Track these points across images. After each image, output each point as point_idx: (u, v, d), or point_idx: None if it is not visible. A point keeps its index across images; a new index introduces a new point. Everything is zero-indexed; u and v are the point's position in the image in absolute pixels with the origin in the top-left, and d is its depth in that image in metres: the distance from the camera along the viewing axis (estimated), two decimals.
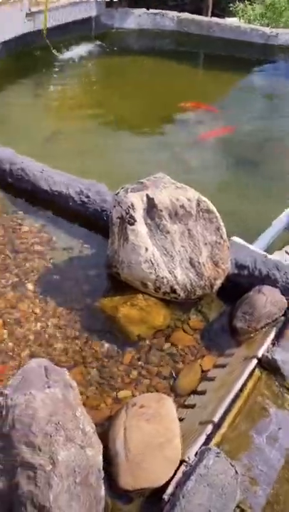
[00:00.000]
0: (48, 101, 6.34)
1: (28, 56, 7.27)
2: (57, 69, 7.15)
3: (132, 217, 2.37)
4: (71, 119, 5.72)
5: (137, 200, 2.38)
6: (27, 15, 7.20)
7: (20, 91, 6.53)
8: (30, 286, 2.74)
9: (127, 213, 2.38)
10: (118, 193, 2.47)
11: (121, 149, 5.00)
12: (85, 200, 3.08)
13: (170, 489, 1.74)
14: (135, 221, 2.37)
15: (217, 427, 1.96)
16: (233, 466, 1.77)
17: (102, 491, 1.66)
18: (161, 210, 2.37)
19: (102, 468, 1.68)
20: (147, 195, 2.38)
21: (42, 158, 3.58)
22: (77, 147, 4.84)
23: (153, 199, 2.37)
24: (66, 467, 1.55)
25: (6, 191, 3.45)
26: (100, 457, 1.68)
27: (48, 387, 1.68)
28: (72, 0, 7.49)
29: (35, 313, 2.59)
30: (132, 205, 2.37)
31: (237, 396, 2.07)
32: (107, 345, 2.43)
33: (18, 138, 4.84)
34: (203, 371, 2.31)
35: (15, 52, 7.20)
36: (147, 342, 2.44)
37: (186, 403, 2.17)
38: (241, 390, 2.10)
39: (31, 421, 1.56)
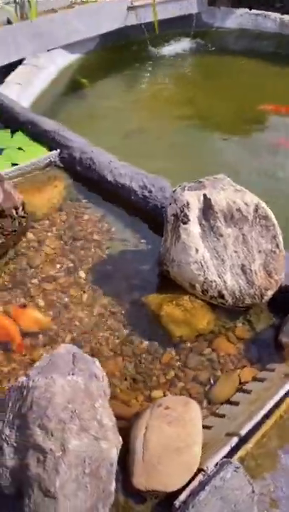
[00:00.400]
0: (137, 96, 6.37)
1: (124, 50, 7.38)
2: (151, 65, 7.17)
3: (186, 216, 2.32)
4: (156, 116, 5.71)
5: (193, 199, 2.33)
6: (128, 8, 7.31)
7: (111, 85, 6.62)
8: (82, 273, 2.78)
9: (181, 211, 2.34)
10: (175, 190, 2.43)
11: (199, 150, 4.93)
12: (147, 194, 3.06)
13: (183, 496, 1.70)
14: (189, 220, 2.32)
15: (243, 440, 1.89)
16: (250, 483, 1.70)
17: (112, 486, 1.64)
18: (216, 212, 2.30)
19: (115, 463, 1.66)
20: (204, 195, 2.33)
21: (117, 152, 3.61)
22: (155, 144, 4.84)
23: (210, 199, 2.31)
24: (76, 456, 1.55)
25: (73, 179, 3.53)
26: (115, 451, 1.66)
27: (72, 374, 1.69)
28: None
29: (83, 301, 2.62)
30: (188, 203, 2.32)
31: (270, 412, 1.98)
32: (147, 341, 2.41)
33: (102, 131, 4.93)
34: (240, 382, 2.23)
35: (111, 46, 7.33)
36: (188, 344, 2.39)
37: (217, 412, 2.10)
38: (276, 406, 2.01)
39: (48, 404, 1.57)
